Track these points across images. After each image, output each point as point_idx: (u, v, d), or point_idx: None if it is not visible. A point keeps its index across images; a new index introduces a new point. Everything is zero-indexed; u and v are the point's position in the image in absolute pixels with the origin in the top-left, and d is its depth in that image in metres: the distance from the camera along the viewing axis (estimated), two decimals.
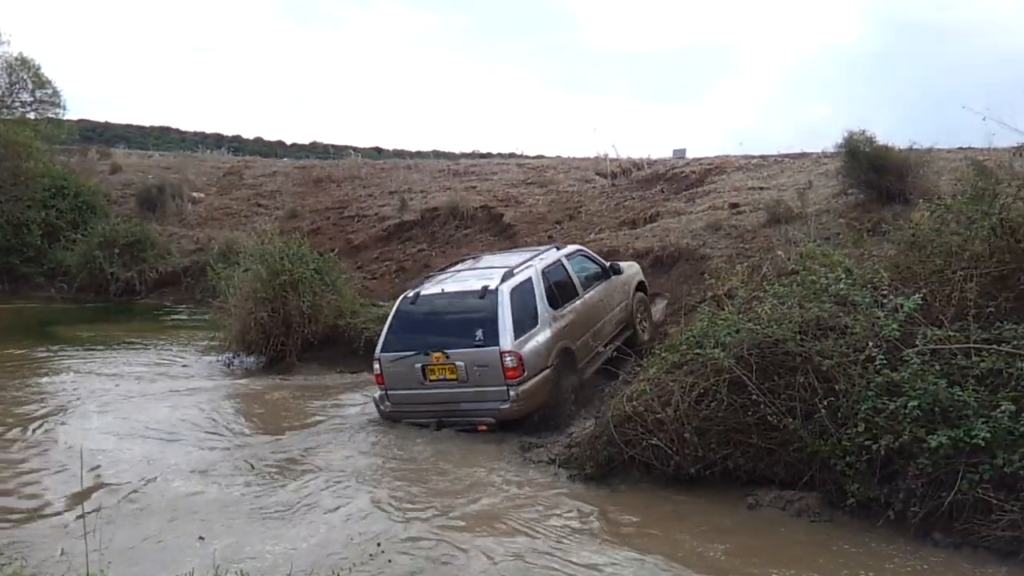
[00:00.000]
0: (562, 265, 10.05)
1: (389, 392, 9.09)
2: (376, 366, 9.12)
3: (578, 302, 9.83)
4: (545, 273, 9.54)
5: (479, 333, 8.66)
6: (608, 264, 11.10)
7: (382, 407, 9.19)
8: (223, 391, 10.98)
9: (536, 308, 9.08)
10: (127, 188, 24.86)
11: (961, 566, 5.47)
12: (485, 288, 8.90)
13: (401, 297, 9.61)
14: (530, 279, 9.24)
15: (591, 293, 10.21)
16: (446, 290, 9.30)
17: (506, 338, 8.57)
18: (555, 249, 10.55)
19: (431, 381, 8.83)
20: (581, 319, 9.74)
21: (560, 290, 9.66)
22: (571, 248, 10.86)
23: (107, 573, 4.16)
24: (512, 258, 10.27)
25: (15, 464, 8.07)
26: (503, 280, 8.92)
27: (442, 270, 10.50)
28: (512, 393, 8.54)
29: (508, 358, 8.52)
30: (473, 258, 11.24)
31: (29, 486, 7.49)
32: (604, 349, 10.14)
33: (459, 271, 10.19)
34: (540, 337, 8.92)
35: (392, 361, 8.96)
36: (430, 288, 9.45)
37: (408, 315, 9.20)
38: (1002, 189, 7.98)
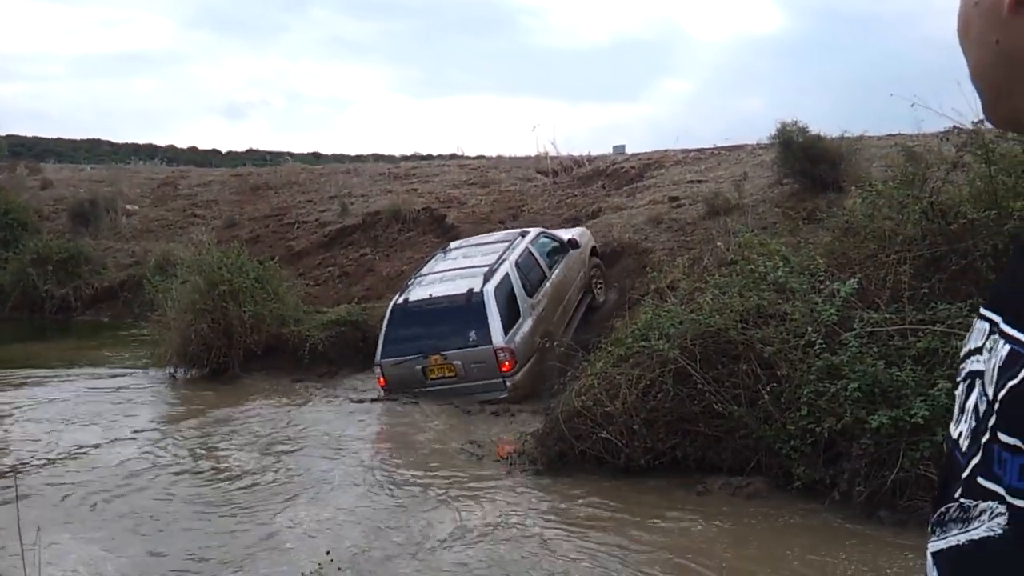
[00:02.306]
0: (530, 253, 10.72)
1: (393, 392, 9.75)
2: (378, 371, 9.79)
3: (547, 284, 10.55)
4: (518, 265, 10.21)
5: (472, 334, 9.39)
6: (567, 239, 11.67)
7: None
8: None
9: (517, 301, 9.81)
10: (59, 203, 24.16)
11: (907, 541, 5.58)
12: (471, 291, 9.56)
13: (391, 305, 10.14)
14: (507, 275, 9.89)
15: (556, 272, 10.90)
16: (434, 295, 9.89)
17: (497, 336, 9.33)
18: (521, 236, 11.20)
19: (432, 380, 9.57)
20: (552, 299, 10.50)
21: (532, 277, 10.36)
22: (534, 232, 11.58)
23: None
24: (481, 250, 10.97)
25: None
26: (485, 281, 9.60)
27: (418, 273, 10.98)
28: (508, 383, 9.32)
29: (502, 354, 9.31)
30: (443, 251, 11.52)
31: None
32: (573, 318, 11.00)
33: (438, 272, 10.62)
34: (525, 327, 9.68)
35: (393, 365, 9.66)
36: (417, 293, 10.04)
37: (401, 321, 9.82)
38: (931, 173, 8.19)
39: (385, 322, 10.00)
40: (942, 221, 7.42)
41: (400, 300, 10.04)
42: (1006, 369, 0.72)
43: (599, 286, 12.15)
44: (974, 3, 0.81)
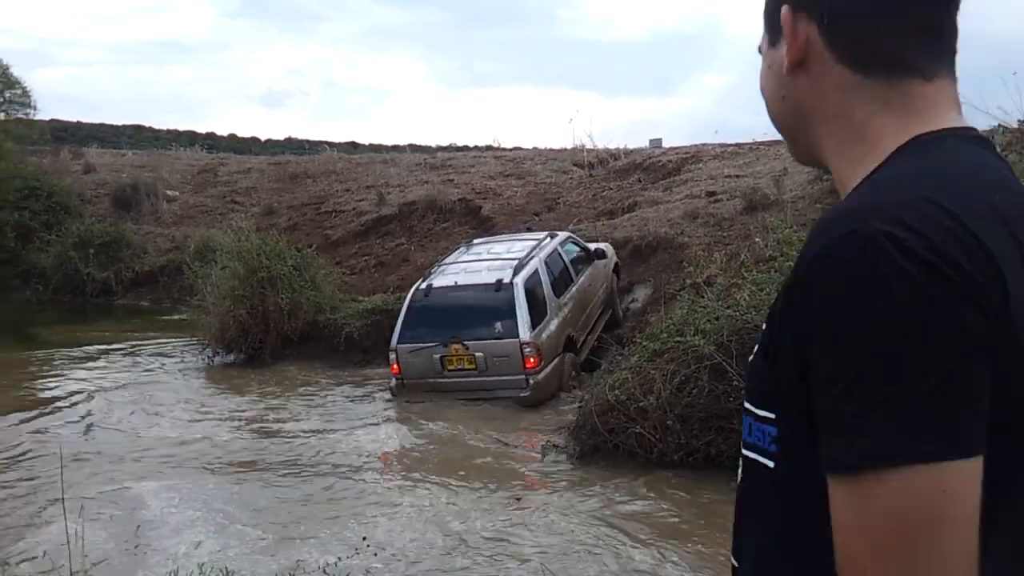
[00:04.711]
0: (559, 254, 10.40)
1: (406, 381, 9.34)
2: (392, 356, 9.36)
3: (574, 289, 10.19)
4: (547, 263, 9.86)
5: (498, 325, 8.97)
6: (593, 248, 11.44)
7: (399, 393, 9.51)
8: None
9: (545, 298, 9.39)
10: (101, 187, 24.56)
11: None
12: (500, 281, 9.17)
13: (413, 289, 9.81)
14: (538, 270, 9.54)
15: (582, 279, 10.57)
16: (459, 283, 9.54)
17: (525, 329, 8.87)
18: (550, 237, 10.84)
19: (449, 371, 9.13)
20: (577, 305, 10.13)
21: (560, 278, 10.01)
22: (563, 235, 11.21)
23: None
24: (507, 246, 10.66)
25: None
26: (516, 272, 9.20)
27: (441, 262, 10.67)
28: (531, 381, 8.88)
29: (528, 349, 8.85)
30: (466, 245, 11.41)
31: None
32: (594, 331, 10.64)
33: (462, 262, 10.35)
34: (551, 326, 9.28)
35: (410, 352, 9.23)
36: (441, 281, 9.68)
37: (422, 308, 9.43)
38: None
39: (404, 307, 9.61)
40: None
41: (423, 286, 9.67)
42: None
43: (619, 305, 11.94)
44: (768, 65, 1.01)
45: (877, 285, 0.78)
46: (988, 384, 0.78)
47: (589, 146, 20.67)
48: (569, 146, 21.89)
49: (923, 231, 0.79)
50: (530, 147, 25.58)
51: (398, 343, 9.33)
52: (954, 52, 0.96)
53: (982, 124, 9.48)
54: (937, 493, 0.74)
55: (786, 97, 1.00)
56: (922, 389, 0.75)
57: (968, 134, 0.94)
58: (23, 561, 5.68)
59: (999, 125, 8.57)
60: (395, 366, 9.37)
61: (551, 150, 22.95)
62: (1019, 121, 8.15)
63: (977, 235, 0.80)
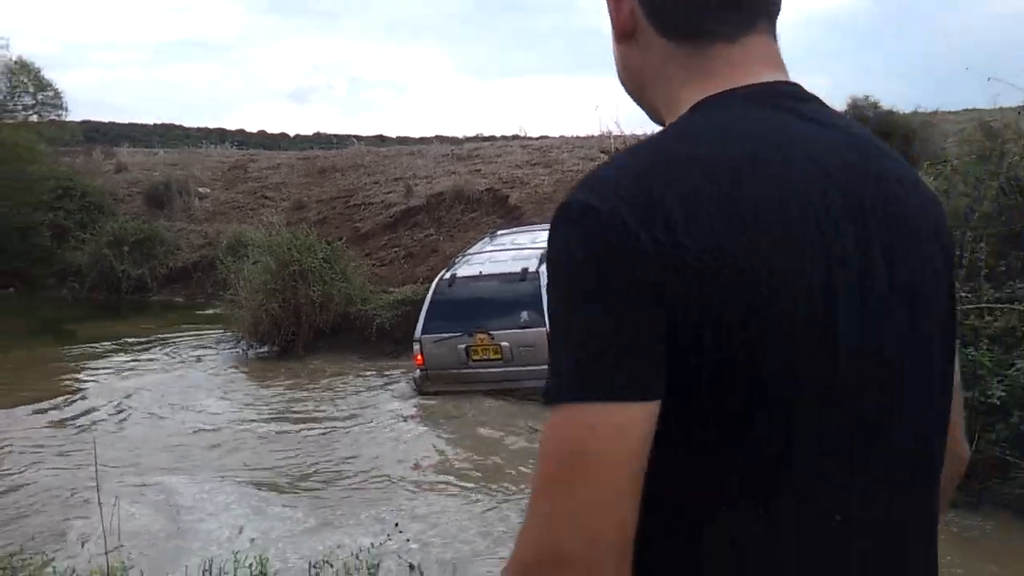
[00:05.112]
0: None
1: (430, 372, 9.30)
2: (416, 347, 9.31)
3: None
4: None
5: (524, 314, 8.84)
6: None
7: (423, 385, 9.46)
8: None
9: None
10: (133, 186, 24.88)
11: (979, 524, 5.48)
12: (525, 270, 9.09)
13: (437, 280, 9.77)
14: None
15: None
16: (484, 272, 9.49)
17: None
18: None
19: (475, 361, 9.08)
20: None
21: None
22: None
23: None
24: (532, 236, 10.55)
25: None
26: (541, 262, 9.01)
27: (465, 253, 10.65)
28: None
29: None
30: (490, 236, 11.38)
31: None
32: None
33: (487, 252, 10.32)
34: None
35: (435, 342, 9.15)
36: (465, 271, 9.64)
37: (446, 297, 9.36)
38: (1009, 148, 7.94)
39: (429, 297, 9.56)
40: (1020, 197, 7.19)
41: (447, 275, 9.63)
42: None
43: None
44: (611, 35, 1.06)
45: (559, 248, 0.85)
46: (655, 339, 0.82)
47: (616, 132, 20.56)
48: (596, 133, 21.82)
49: (606, 197, 0.85)
50: (557, 135, 25.55)
51: (422, 334, 9.26)
52: (769, 9, 0.98)
53: (1015, 99, 9.31)
54: (587, 430, 0.80)
55: (625, 67, 1.05)
56: (584, 342, 0.82)
57: (770, 90, 0.95)
58: (59, 550, 5.78)
59: None
60: (419, 357, 9.31)
61: (578, 138, 22.90)
62: None
63: (670, 196, 0.83)
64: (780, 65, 0.98)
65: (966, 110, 14.48)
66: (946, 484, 1.02)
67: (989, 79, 9.04)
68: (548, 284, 0.88)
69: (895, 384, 0.91)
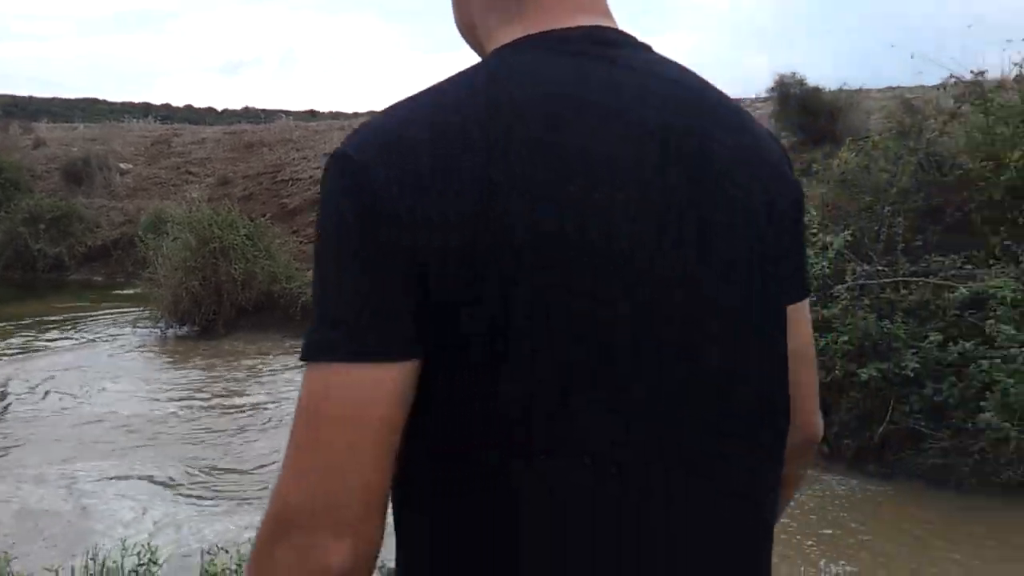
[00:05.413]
0: None
1: None
2: None
3: None
4: None
5: None
6: None
7: None
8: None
9: None
10: (52, 162, 23.95)
11: (892, 495, 5.55)
12: None
13: None
14: None
15: None
16: None
17: None
18: None
19: None
20: None
21: None
22: None
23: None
24: None
25: None
26: None
27: None
28: None
29: None
30: None
31: None
32: None
33: None
34: None
35: None
36: None
37: None
38: (928, 124, 8.06)
39: None
40: (938, 172, 7.30)
41: None
42: None
43: None
44: None
45: (323, 201, 0.85)
46: (410, 297, 0.79)
47: None
48: None
49: (362, 147, 0.83)
50: None
51: None
52: None
53: (936, 77, 9.44)
54: (332, 389, 0.79)
55: (455, 14, 1.04)
56: (337, 301, 0.81)
57: (582, 35, 0.90)
58: None
59: (951, 77, 8.50)
60: None
61: None
62: (971, 72, 8.08)
63: (439, 149, 0.80)
64: (603, 11, 0.94)
65: (891, 87, 14.70)
66: (793, 456, 0.97)
67: (912, 56, 9.15)
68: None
69: (691, 337, 0.85)
